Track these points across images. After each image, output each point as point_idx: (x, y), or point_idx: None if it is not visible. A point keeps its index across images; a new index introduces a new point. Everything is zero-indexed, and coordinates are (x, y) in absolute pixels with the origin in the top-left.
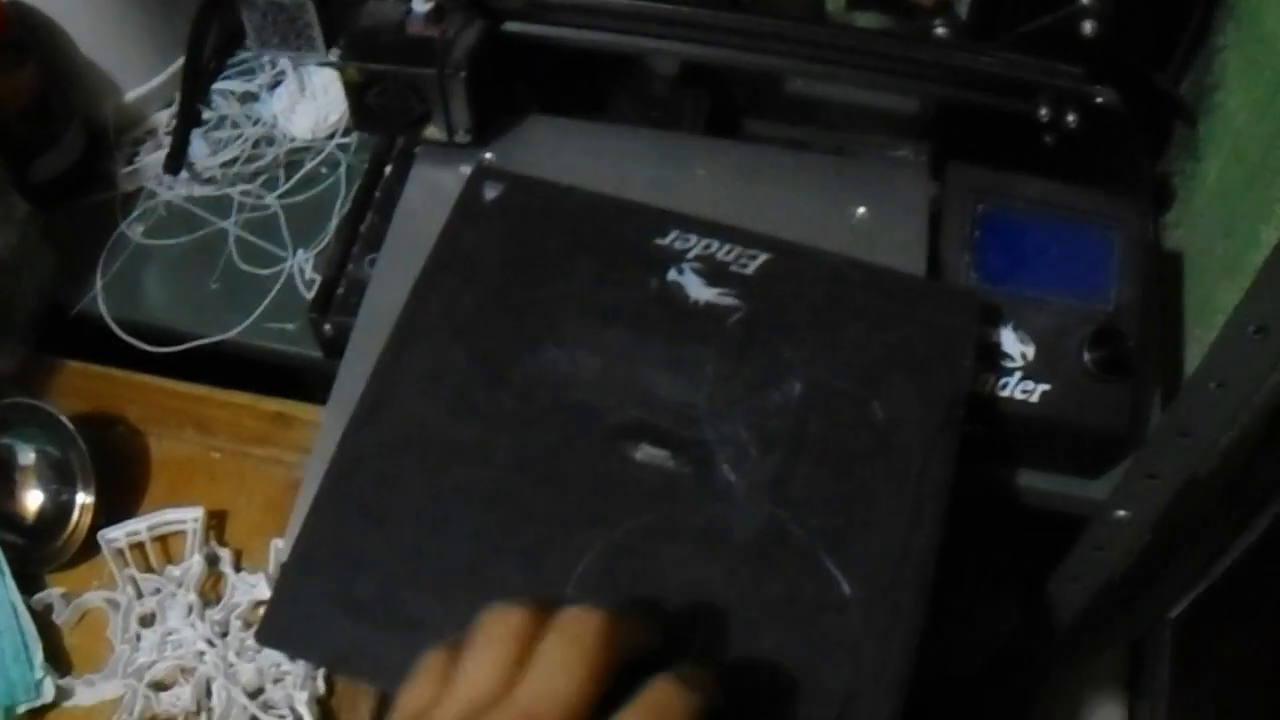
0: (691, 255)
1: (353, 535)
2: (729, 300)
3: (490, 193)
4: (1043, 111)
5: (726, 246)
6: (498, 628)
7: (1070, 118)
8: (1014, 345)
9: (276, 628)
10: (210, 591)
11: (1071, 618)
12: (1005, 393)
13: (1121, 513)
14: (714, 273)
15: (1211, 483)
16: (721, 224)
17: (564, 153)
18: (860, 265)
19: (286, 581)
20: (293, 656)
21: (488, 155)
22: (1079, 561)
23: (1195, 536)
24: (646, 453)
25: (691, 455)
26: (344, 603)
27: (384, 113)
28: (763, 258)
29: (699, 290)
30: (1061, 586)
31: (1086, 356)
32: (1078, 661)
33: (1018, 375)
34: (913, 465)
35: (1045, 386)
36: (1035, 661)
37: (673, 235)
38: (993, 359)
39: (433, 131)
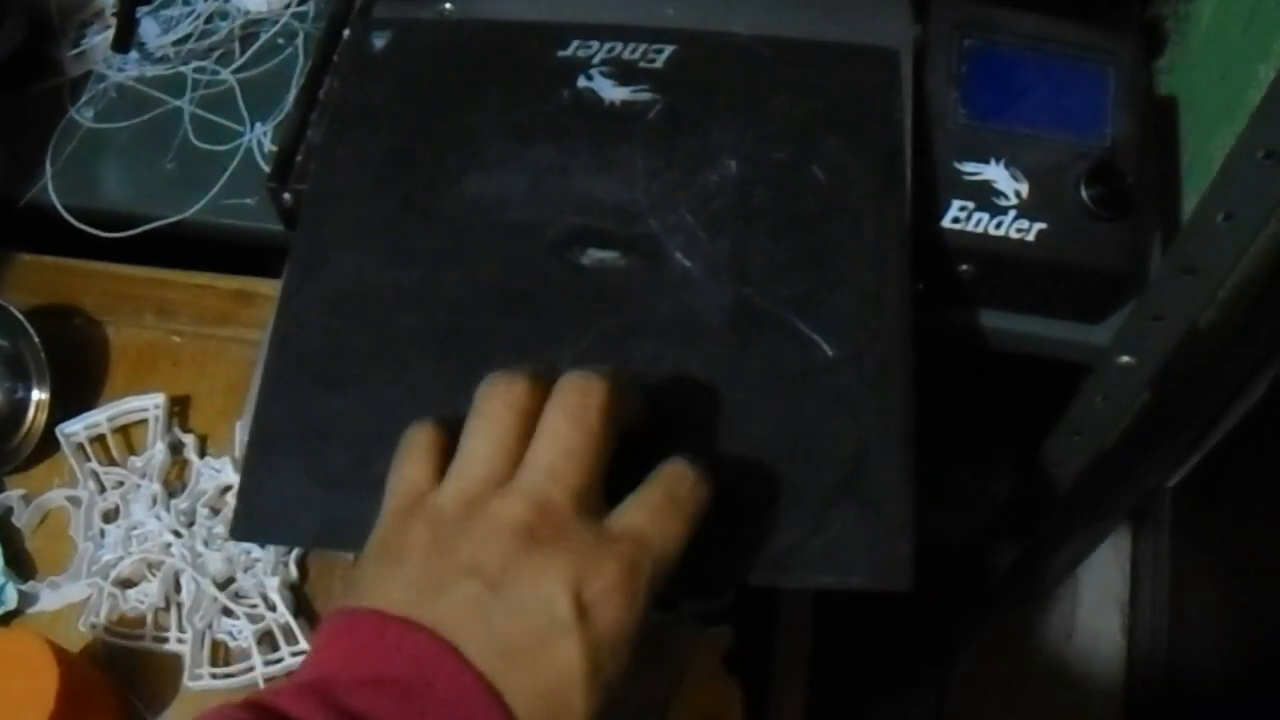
0: (597, 60)
1: (311, 405)
2: (645, 96)
3: (378, 42)
4: None
5: (630, 45)
6: (497, 403)
7: None
8: (1007, 183)
9: (250, 520)
10: (175, 480)
11: (1073, 477)
12: (999, 231)
13: (1125, 358)
14: (623, 72)
15: (1211, 338)
16: (621, 25)
17: None
18: (772, 40)
19: (251, 469)
20: (273, 544)
21: (447, 5)
22: (1081, 413)
23: (1195, 398)
24: (594, 256)
25: (641, 250)
26: (316, 476)
27: None
28: (669, 49)
29: (612, 92)
30: (1063, 441)
31: (1084, 193)
32: (1079, 531)
33: (1012, 214)
34: (865, 221)
35: (1041, 225)
36: (1036, 527)
37: (574, 45)
38: (985, 196)
39: None
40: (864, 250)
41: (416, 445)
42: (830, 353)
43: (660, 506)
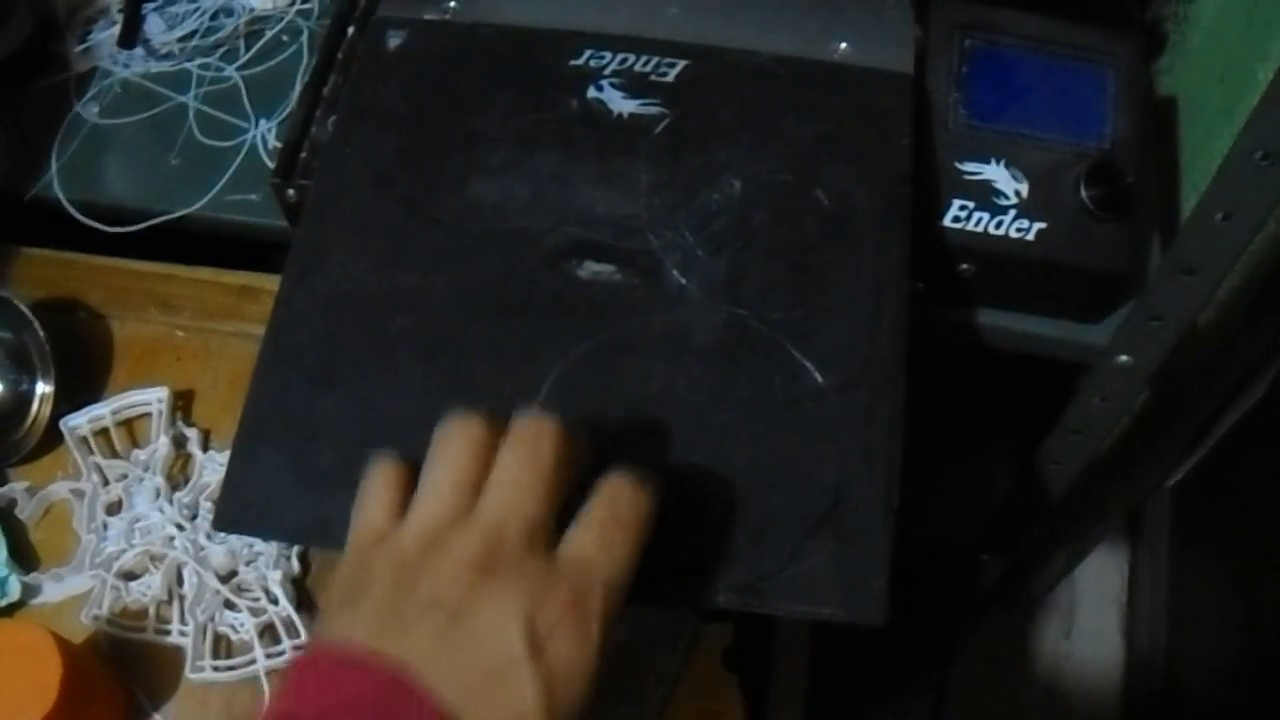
0: (608, 71)
1: (300, 403)
2: (653, 109)
3: (393, 41)
4: None
5: (643, 58)
6: (455, 443)
7: None
8: (1007, 183)
9: (233, 511)
10: (179, 474)
11: (1072, 476)
12: (999, 231)
13: (1124, 358)
14: (634, 84)
15: (1210, 338)
16: (635, 36)
17: None
18: (785, 60)
19: (237, 461)
20: (254, 537)
21: (452, 4)
22: (1080, 413)
23: (1193, 398)
24: (590, 269)
25: (638, 265)
26: (301, 474)
27: None
28: (682, 64)
29: (621, 104)
30: (1062, 440)
31: (1084, 194)
32: (1077, 531)
33: (1012, 213)
34: (865, 248)
35: (1041, 225)
36: (1035, 527)
37: (586, 54)
38: (985, 196)
39: None
40: (863, 279)
41: (378, 482)
42: (820, 380)
43: (603, 525)
